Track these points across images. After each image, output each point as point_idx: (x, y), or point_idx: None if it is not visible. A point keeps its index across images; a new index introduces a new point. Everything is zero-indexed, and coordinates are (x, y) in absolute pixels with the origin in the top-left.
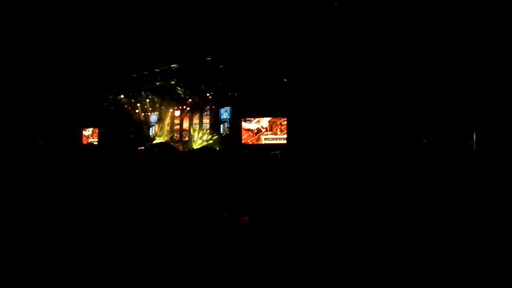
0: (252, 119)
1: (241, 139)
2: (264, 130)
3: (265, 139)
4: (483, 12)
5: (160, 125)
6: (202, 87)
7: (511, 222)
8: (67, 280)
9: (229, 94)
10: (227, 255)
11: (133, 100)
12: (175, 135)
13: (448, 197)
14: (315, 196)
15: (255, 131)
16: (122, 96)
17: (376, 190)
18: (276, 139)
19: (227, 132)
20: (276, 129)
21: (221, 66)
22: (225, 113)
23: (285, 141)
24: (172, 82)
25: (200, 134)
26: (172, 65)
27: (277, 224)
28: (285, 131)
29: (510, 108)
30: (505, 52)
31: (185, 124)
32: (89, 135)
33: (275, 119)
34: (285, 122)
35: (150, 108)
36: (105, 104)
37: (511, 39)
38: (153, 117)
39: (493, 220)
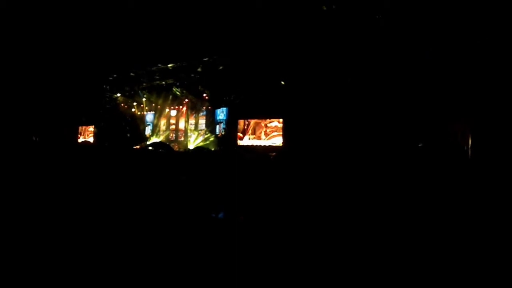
0: (247, 120)
1: (237, 140)
2: (251, 131)
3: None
4: (478, 14)
5: (156, 124)
6: (199, 87)
7: (506, 227)
8: (63, 280)
9: (226, 95)
10: (221, 256)
11: (129, 99)
12: (171, 134)
13: (443, 202)
14: (311, 197)
15: (243, 132)
16: (118, 94)
17: (371, 192)
18: (266, 140)
19: (223, 133)
20: (262, 132)
21: (219, 67)
22: (221, 113)
23: (277, 143)
24: (169, 82)
25: (196, 134)
26: (169, 65)
27: (272, 225)
28: (272, 134)
29: (507, 113)
30: (504, 54)
31: (181, 124)
32: (82, 133)
33: (259, 121)
34: (273, 125)
35: (147, 107)
36: (102, 102)
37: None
38: (149, 116)
39: (488, 224)
